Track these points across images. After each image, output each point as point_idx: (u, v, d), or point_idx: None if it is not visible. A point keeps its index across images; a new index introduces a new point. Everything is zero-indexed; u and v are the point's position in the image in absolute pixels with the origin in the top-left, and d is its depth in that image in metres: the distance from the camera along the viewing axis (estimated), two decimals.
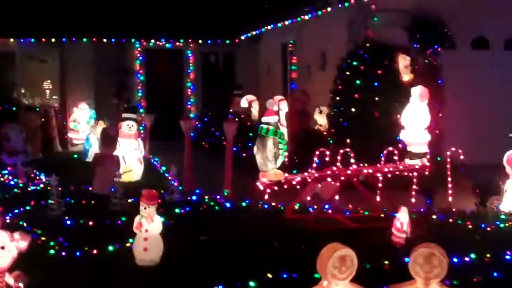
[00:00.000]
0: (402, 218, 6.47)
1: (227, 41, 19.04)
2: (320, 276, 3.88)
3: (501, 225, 7.47)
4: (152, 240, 5.76)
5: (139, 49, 18.74)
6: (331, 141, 11.02)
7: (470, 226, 7.44)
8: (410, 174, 8.47)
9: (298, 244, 6.45)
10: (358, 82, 10.92)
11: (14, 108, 15.68)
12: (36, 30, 17.28)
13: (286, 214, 7.97)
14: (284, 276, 5.41)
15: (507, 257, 6.04)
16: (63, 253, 6.11)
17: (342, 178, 7.84)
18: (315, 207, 8.10)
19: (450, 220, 7.78)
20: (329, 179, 7.87)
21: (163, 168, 11.64)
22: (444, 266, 3.84)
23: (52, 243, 6.34)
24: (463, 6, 11.76)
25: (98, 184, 9.29)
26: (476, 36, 12.65)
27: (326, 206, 8.15)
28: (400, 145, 8.95)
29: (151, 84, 19.00)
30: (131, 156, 10.70)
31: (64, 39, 17.63)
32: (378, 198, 8.45)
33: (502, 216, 7.88)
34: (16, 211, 7.86)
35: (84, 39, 17.72)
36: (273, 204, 8.38)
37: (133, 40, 18.45)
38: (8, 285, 4.17)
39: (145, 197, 5.81)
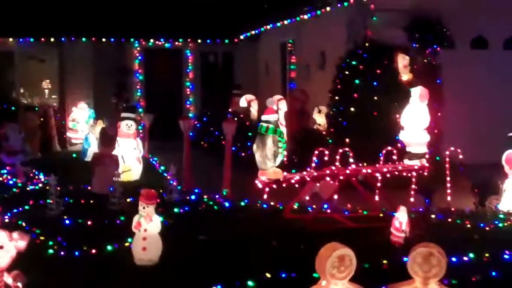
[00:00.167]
0: (401, 218, 6.48)
1: (226, 41, 19.04)
2: (319, 275, 3.87)
3: (500, 225, 7.48)
4: (151, 239, 5.76)
5: (138, 48, 18.73)
6: (330, 141, 11.02)
7: (469, 226, 7.44)
8: (409, 174, 8.47)
9: (297, 243, 6.45)
10: (357, 81, 10.93)
11: (13, 108, 15.69)
12: (35, 30, 17.28)
13: (285, 213, 7.96)
14: (283, 275, 5.41)
15: (506, 256, 6.04)
16: (62, 253, 6.11)
17: (341, 177, 7.84)
18: (314, 206, 8.10)
19: (449, 220, 7.78)
20: (328, 179, 7.87)
21: (162, 167, 11.63)
22: (443, 266, 3.84)
23: (51, 243, 6.33)
24: (462, 6, 11.77)
25: (97, 183, 9.28)
26: (475, 36, 12.65)
27: (325, 206, 8.15)
28: (399, 145, 8.95)
29: (150, 83, 19.00)
30: (130, 156, 10.70)
31: (63, 39, 17.62)
32: (377, 198, 8.45)
33: (501, 216, 7.89)
34: (15, 210, 7.86)
35: (83, 39, 17.70)
36: (272, 203, 8.37)
37: (132, 39, 18.44)
38: (7, 285, 4.17)
39: (144, 196, 5.80)
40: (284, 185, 7.83)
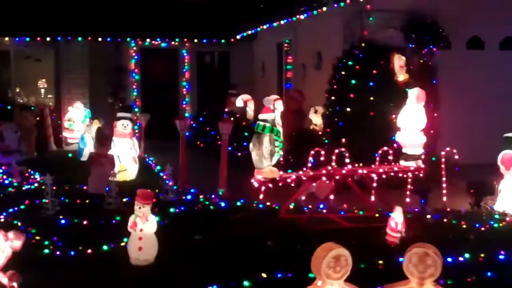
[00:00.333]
0: (397, 218, 6.48)
1: (223, 41, 19.03)
2: (314, 275, 3.88)
3: (495, 225, 7.48)
4: (146, 239, 5.75)
5: (134, 48, 18.72)
6: (326, 141, 11.03)
7: (464, 226, 7.44)
8: (405, 175, 8.48)
9: (292, 243, 6.44)
10: (353, 82, 10.95)
11: (8, 107, 15.67)
12: (31, 29, 17.24)
13: (281, 213, 7.96)
14: (279, 275, 5.40)
15: (501, 257, 6.04)
16: (58, 253, 6.10)
17: (337, 177, 7.85)
18: (310, 206, 8.11)
19: (445, 220, 7.78)
20: (324, 178, 7.87)
21: (158, 167, 11.62)
22: (438, 266, 3.85)
23: (46, 243, 6.32)
24: (458, 6, 11.78)
25: (93, 183, 9.26)
26: (471, 36, 12.67)
27: (321, 206, 8.15)
28: (395, 145, 8.96)
29: (147, 83, 19.00)
30: (126, 156, 10.68)
31: (59, 38, 17.58)
32: (372, 198, 8.46)
33: (496, 216, 7.89)
34: (11, 210, 7.82)
35: (80, 38, 17.66)
36: (268, 203, 8.37)
37: (128, 39, 18.42)
38: (2, 285, 4.16)
39: (140, 196, 5.80)
40: (280, 184, 7.83)
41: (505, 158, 8.33)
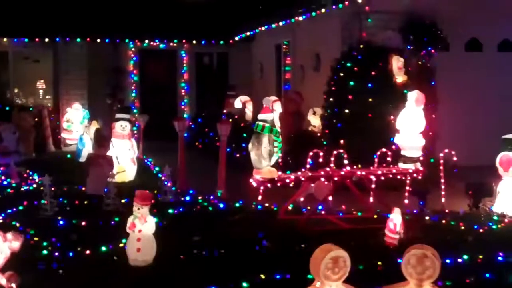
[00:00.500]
0: (395, 219, 6.49)
1: (221, 42, 19.04)
2: (313, 277, 3.88)
3: (494, 227, 7.49)
4: (145, 240, 5.75)
5: (133, 49, 18.72)
6: (324, 142, 11.04)
7: (462, 227, 7.45)
8: (404, 177, 8.49)
9: (291, 245, 6.45)
10: (352, 83, 10.95)
11: (7, 108, 15.66)
12: (30, 30, 17.24)
13: (279, 214, 7.96)
14: (277, 277, 5.40)
15: (499, 258, 6.05)
16: (56, 254, 6.09)
17: (336, 179, 7.85)
18: (308, 208, 8.11)
19: (443, 221, 7.78)
20: (322, 179, 7.87)
21: (157, 168, 11.62)
22: (437, 267, 3.85)
23: (45, 244, 6.32)
24: (456, 8, 11.80)
25: (92, 184, 9.25)
26: (469, 38, 12.69)
27: (320, 207, 8.15)
28: (393, 147, 8.96)
29: (145, 84, 19.00)
30: (125, 157, 10.67)
31: (58, 39, 17.59)
32: (371, 199, 8.46)
33: (495, 218, 7.90)
34: (9, 211, 7.82)
35: (78, 39, 17.67)
36: (267, 204, 8.38)
37: (127, 40, 18.43)
38: (0, 286, 4.16)
39: (138, 197, 5.80)
40: (278, 184, 7.83)
41: (503, 159, 8.34)
